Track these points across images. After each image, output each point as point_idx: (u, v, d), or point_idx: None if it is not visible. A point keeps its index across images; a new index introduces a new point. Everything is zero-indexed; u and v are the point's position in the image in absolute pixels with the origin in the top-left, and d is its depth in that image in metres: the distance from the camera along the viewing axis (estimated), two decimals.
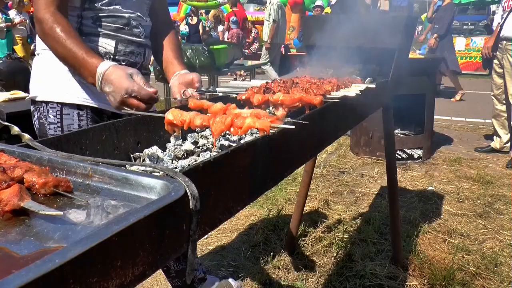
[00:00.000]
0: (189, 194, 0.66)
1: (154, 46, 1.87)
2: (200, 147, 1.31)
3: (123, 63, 1.65)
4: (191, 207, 0.67)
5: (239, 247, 3.02)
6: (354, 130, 5.21)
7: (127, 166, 0.74)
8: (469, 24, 16.50)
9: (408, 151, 5.17)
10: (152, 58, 1.90)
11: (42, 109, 1.65)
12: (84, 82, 1.59)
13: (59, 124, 1.63)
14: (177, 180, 0.64)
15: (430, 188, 4.23)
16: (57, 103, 1.63)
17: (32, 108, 1.71)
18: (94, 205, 0.64)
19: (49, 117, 1.63)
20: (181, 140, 1.36)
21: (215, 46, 5.90)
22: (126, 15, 1.67)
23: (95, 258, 0.53)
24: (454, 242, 3.13)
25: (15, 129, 1.17)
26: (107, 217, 0.61)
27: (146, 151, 1.23)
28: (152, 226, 0.63)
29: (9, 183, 0.64)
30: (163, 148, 1.30)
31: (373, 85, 1.94)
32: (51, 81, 1.64)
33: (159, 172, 0.69)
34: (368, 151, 5.13)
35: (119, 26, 1.65)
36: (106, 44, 1.64)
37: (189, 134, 1.39)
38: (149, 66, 1.87)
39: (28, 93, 3.41)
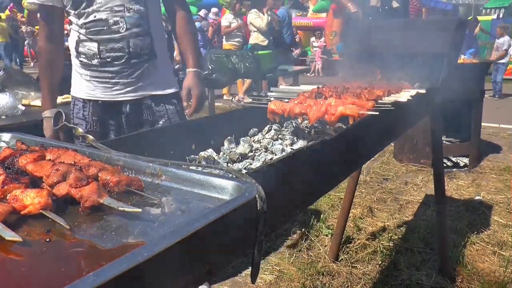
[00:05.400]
0: (257, 195, 0.67)
1: (174, 34, 2.07)
2: (253, 151, 1.33)
3: (109, 60, 1.84)
4: (258, 208, 0.68)
5: (283, 252, 3.02)
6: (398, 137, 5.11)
7: (195, 167, 0.77)
8: None
9: (454, 159, 5.01)
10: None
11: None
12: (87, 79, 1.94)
13: (71, 112, 2.02)
14: (248, 181, 0.66)
15: (477, 197, 4.08)
16: (72, 96, 2.03)
17: None
18: (167, 203, 0.67)
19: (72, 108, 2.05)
20: (234, 144, 1.38)
21: (260, 52, 5.93)
22: (104, 16, 1.80)
23: (171, 254, 0.55)
24: (506, 254, 3.01)
25: (79, 131, 1.23)
26: (181, 215, 0.63)
27: (202, 153, 1.26)
28: (221, 226, 0.64)
29: (87, 180, 0.67)
30: (217, 152, 1.33)
31: (423, 90, 1.91)
32: (73, 80, 2.03)
33: (228, 174, 0.70)
34: (412, 158, 5.02)
35: (99, 28, 1.82)
36: (92, 47, 1.84)
37: (242, 138, 1.41)
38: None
39: None
